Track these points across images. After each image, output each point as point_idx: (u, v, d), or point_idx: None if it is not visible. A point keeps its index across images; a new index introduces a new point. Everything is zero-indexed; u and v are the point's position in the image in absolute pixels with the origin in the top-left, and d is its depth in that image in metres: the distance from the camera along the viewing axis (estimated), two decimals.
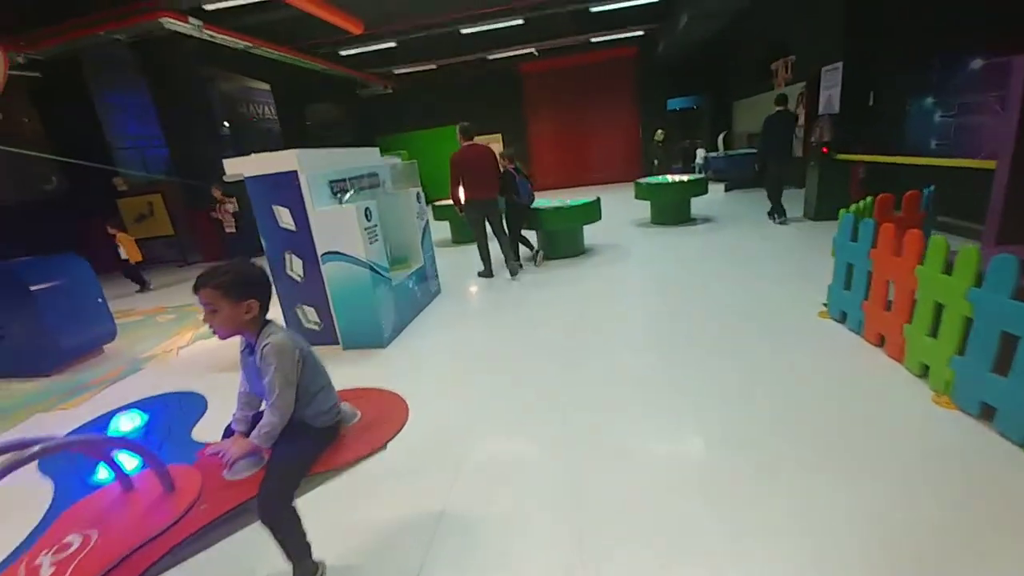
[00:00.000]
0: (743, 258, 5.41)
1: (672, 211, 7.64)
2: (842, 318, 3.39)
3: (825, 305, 3.67)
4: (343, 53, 11.04)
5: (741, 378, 2.93)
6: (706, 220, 7.73)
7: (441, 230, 8.87)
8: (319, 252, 3.74)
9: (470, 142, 5.31)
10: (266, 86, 12.35)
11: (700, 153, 12.20)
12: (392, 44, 10.87)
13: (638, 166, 15.57)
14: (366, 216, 3.75)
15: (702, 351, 3.32)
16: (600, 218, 6.25)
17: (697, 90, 13.83)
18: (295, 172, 3.58)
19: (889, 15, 6.75)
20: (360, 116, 16.75)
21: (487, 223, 5.45)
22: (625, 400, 2.81)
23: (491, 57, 13.44)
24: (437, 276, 5.26)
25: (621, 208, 9.86)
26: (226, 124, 10.64)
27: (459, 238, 8.28)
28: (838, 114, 7.52)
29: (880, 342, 3.01)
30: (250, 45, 9.63)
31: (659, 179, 7.93)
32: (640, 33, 12.58)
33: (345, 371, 3.53)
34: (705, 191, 7.46)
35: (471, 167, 5.22)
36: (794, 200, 8.77)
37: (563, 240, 6.22)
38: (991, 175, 4.83)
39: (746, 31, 11.54)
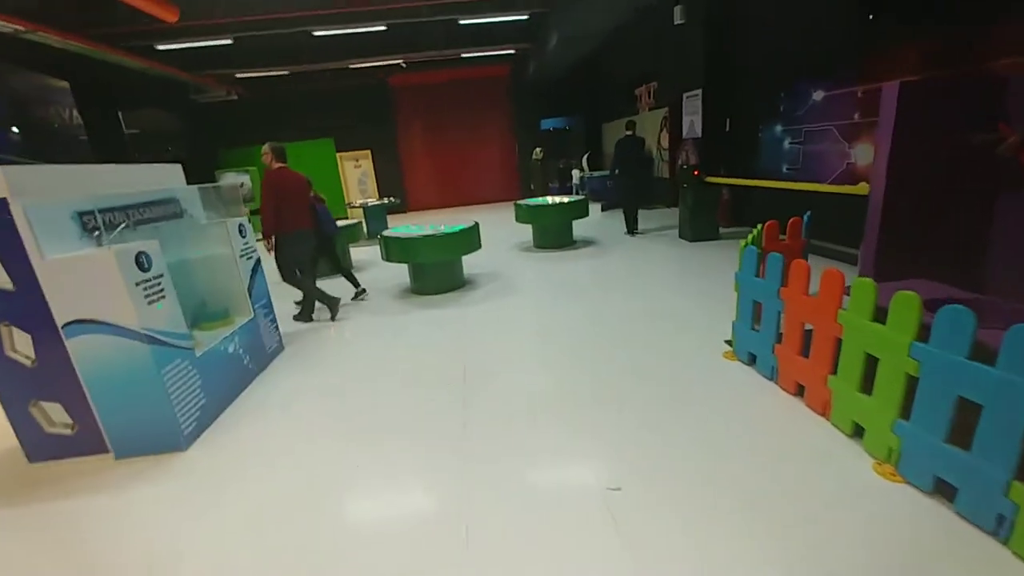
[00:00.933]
0: (634, 287, 5.08)
1: (554, 234, 7.26)
2: (751, 360, 3.05)
3: (729, 344, 3.34)
4: (161, 47, 9.07)
5: (645, 438, 2.42)
6: (588, 243, 7.49)
7: None
8: (59, 322, 2.44)
9: (282, 165, 4.40)
10: (63, 84, 9.78)
11: (576, 174, 12.30)
12: (228, 41, 9.21)
13: (516, 186, 15.42)
14: (139, 264, 2.55)
15: (602, 406, 2.74)
16: (480, 246, 5.56)
17: (569, 111, 14.09)
18: (3, 200, 2.28)
19: (742, 48, 7.16)
20: (197, 126, 14.28)
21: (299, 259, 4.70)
22: (519, 484, 2.06)
23: (354, 66, 12.25)
24: (277, 328, 4.08)
25: (502, 230, 9.35)
26: (15, 129, 8.42)
27: (320, 270, 7.00)
28: (700, 138, 7.81)
29: (798, 391, 2.67)
30: (20, 29, 7.38)
31: (539, 201, 7.53)
32: (511, 52, 12.41)
33: (114, 498, 2.29)
34: (586, 213, 7.21)
35: (290, 193, 4.40)
36: (665, 218, 9.08)
37: (439, 273, 5.40)
38: (842, 199, 5.12)
39: (613, 56, 11.96)
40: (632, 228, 7.83)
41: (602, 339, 3.76)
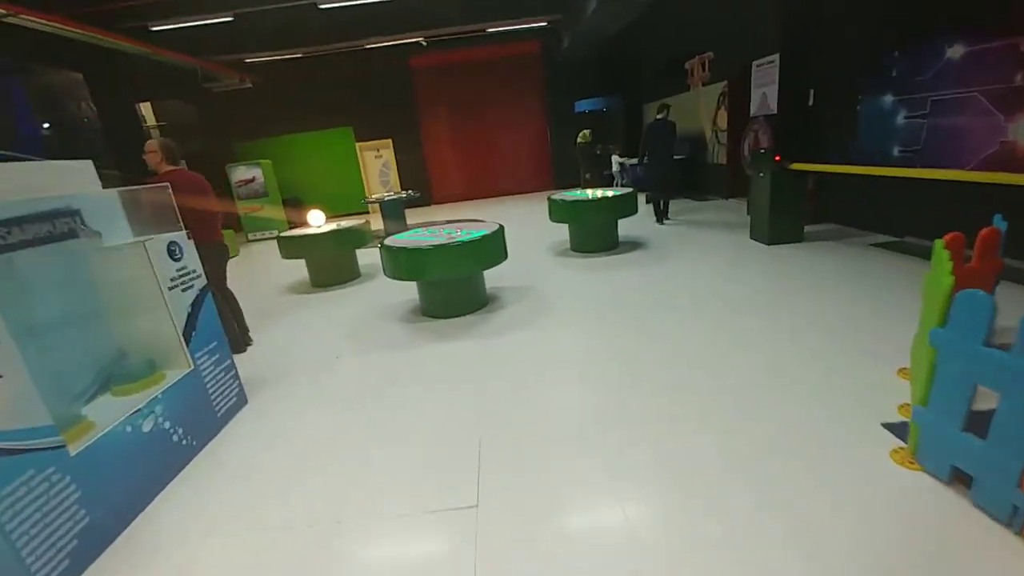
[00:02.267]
0: (708, 310, 3.85)
1: (596, 235, 6.04)
2: (957, 479, 1.82)
3: (896, 433, 2.11)
4: (155, 28, 8.23)
5: None
6: (636, 244, 6.24)
7: (295, 271, 6.57)
8: None
9: (174, 167, 3.63)
10: (77, 76, 9.20)
11: (616, 161, 10.94)
12: (228, 19, 8.29)
13: (549, 175, 14.15)
14: None
15: (696, 504, 1.59)
16: (506, 256, 4.42)
17: (607, 91, 12.69)
18: None
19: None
20: (214, 117, 13.60)
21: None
22: None
23: (370, 46, 11.21)
24: (236, 378, 3.08)
25: (533, 228, 8.17)
26: (46, 125, 8.29)
27: (322, 279, 6.04)
28: (774, 115, 6.41)
29: None
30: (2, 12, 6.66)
31: (577, 195, 6.31)
32: (543, 24, 11.09)
33: None
34: (635, 209, 5.96)
35: (186, 199, 3.39)
36: (721, 212, 7.70)
37: (455, 291, 4.31)
38: (991, 191, 3.72)
39: (659, 26, 10.48)
40: (661, 217, 7.57)
41: (678, 400, 2.58)
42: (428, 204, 14.14)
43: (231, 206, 11.10)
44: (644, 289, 4.54)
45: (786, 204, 5.31)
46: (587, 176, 10.90)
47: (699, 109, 9.47)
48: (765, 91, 6.62)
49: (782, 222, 5.36)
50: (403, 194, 9.74)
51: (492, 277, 5.04)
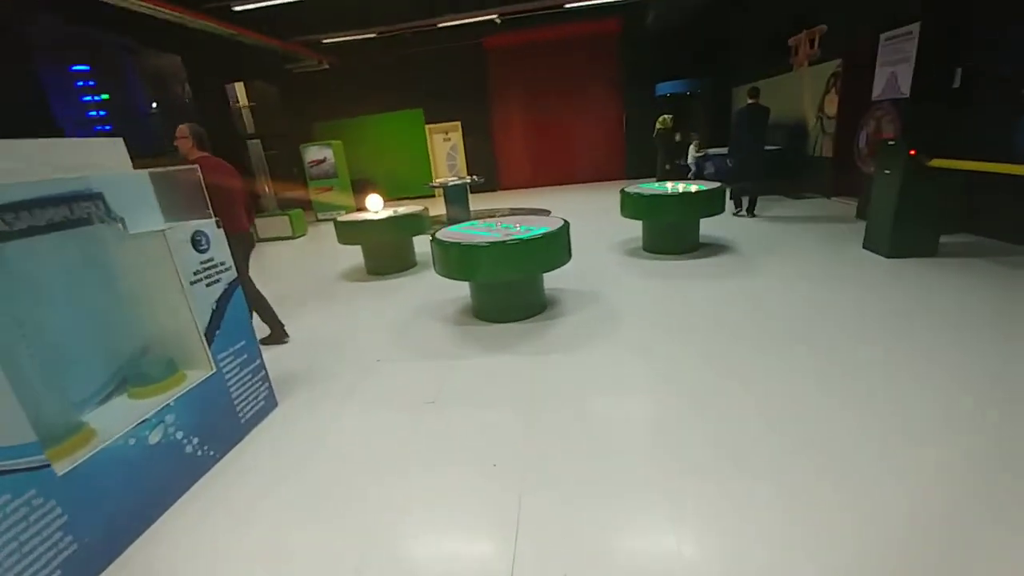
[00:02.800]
0: (811, 347, 3.14)
1: (674, 236, 5.35)
2: None
3: None
4: (237, 8, 8.36)
5: None
6: (720, 247, 5.47)
7: (354, 256, 6.41)
8: None
9: (205, 153, 3.47)
10: (177, 58, 9.75)
11: (693, 150, 9.90)
12: None
13: (622, 164, 13.28)
14: None
15: None
16: (569, 258, 3.90)
17: (692, 72, 11.58)
18: None
19: None
20: (295, 97, 14.00)
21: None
22: None
23: (442, 25, 10.90)
24: (265, 380, 2.84)
25: (601, 222, 7.55)
26: (154, 104, 8.98)
27: (377, 267, 5.84)
28: (905, 100, 5.34)
29: None
30: None
31: (654, 187, 5.62)
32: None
33: None
34: (721, 208, 5.19)
35: (213, 186, 3.07)
36: (822, 211, 6.62)
37: (508, 294, 3.86)
38: None
39: None
40: (750, 209, 7.04)
41: (768, 470, 1.99)
42: (494, 190, 13.79)
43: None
44: (729, 307, 3.85)
45: (919, 209, 4.34)
46: (667, 167, 9.95)
47: (801, 92, 8.29)
48: (895, 70, 5.52)
49: (910, 231, 4.40)
50: (467, 179, 9.40)
51: (552, 277, 4.55)
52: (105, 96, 8.21)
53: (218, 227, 2.54)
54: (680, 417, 2.45)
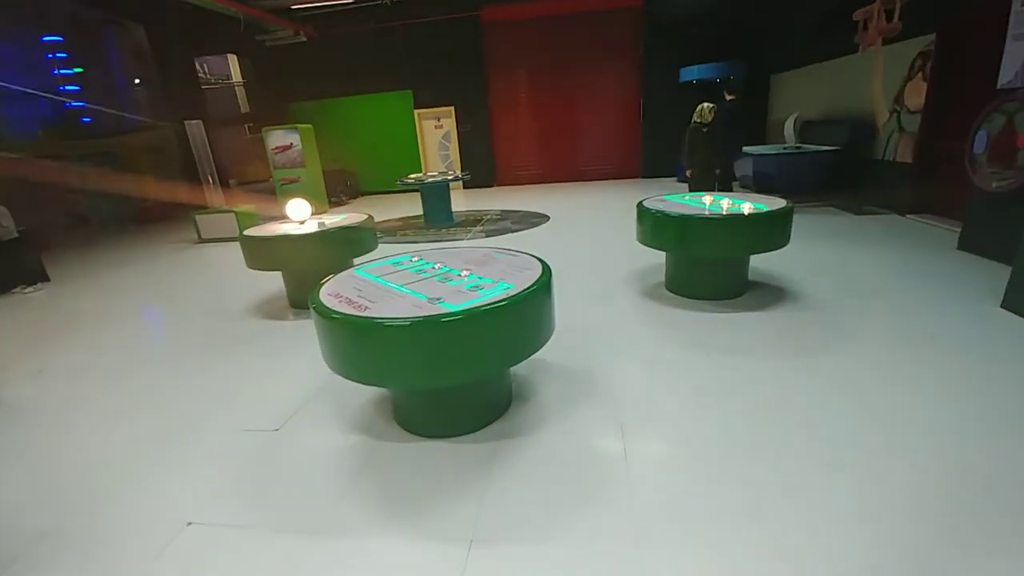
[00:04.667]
0: (954, 520, 1.55)
1: (714, 274, 3.71)
2: None
3: None
4: None
5: None
6: (779, 289, 3.84)
7: (268, 283, 4.83)
8: None
9: None
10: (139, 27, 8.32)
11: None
12: None
13: (637, 160, 11.56)
14: None
15: None
16: (550, 335, 2.29)
17: (725, 54, 9.82)
18: None
19: None
20: (271, 74, 12.43)
21: None
22: None
23: None
24: None
25: (609, 235, 5.93)
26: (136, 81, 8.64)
27: (299, 299, 4.28)
28: None
29: None
30: None
31: (686, 201, 3.98)
32: None
33: None
34: (786, 239, 3.54)
35: None
36: (913, 238, 4.83)
37: (445, 395, 2.28)
38: None
39: None
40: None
41: None
42: (491, 186, 12.17)
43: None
44: (808, 415, 2.25)
45: None
46: (689, 172, 7.28)
47: (870, 79, 6.56)
48: None
49: None
50: (449, 175, 7.79)
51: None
52: None
53: None
54: None
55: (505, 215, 8.09)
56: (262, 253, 4.04)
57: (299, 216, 4.33)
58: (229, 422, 2.58)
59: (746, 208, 3.51)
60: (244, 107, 16.24)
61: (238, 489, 2.07)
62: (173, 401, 2.86)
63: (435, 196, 7.61)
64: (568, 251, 5.51)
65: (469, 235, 6.78)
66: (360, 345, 1.93)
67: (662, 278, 4.11)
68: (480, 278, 2.25)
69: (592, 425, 2.32)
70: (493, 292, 2.04)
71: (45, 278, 6.29)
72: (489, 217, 8.00)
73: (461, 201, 10.06)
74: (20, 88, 12.22)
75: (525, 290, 2.02)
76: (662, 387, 2.61)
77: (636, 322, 3.47)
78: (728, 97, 6.63)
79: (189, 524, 1.90)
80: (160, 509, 1.99)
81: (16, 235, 5.84)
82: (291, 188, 9.98)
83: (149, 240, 8.46)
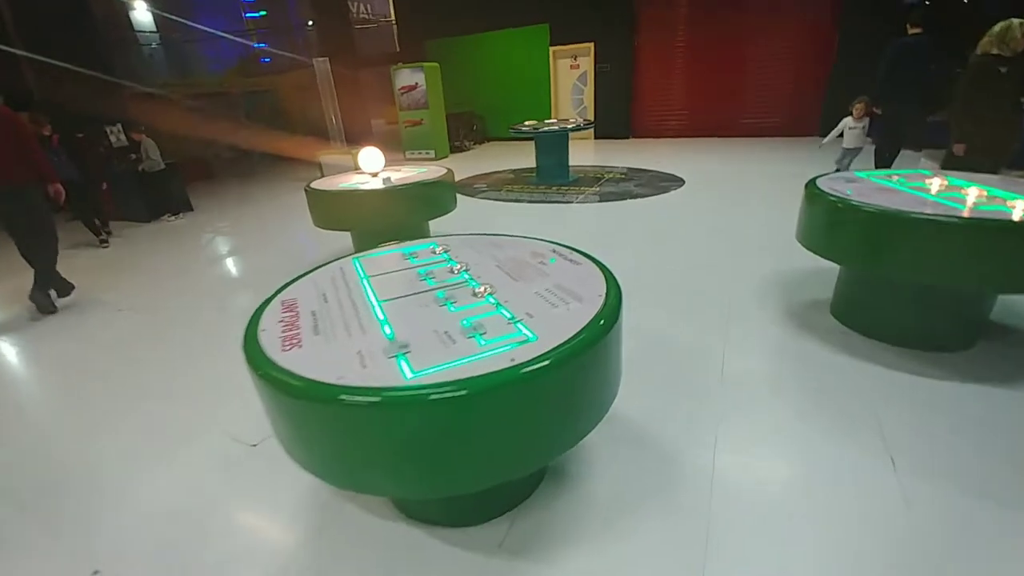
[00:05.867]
0: None
1: (923, 305, 2.31)
2: None
3: None
4: None
5: None
6: (1014, 329, 2.32)
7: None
8: None
9: None
10: None
11: (850, 121, 4.83)
12: None
13: (817, 109, 9.03)
14: None
15: None
16: (599, 415, 1.37)
17: None
18: None
19: None
20: (416, 10, 12.10)
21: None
22: None
23: None
24: None
25: (756, 221, 4.46)
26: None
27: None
28: None
29: None
30: None
31: (900, 184, 2.52)
32: None
33: None
34: None
35: None
36: None
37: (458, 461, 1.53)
38: None
39: None
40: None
41: None
42: (625, 137, 10.67)
43: None
44: None
45: None
46: (985, 137, 3.45)
47: None
48: None
49: None
50: (569, 123, 6.71)
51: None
52: None
53: None
54: None
55: (631, 175, 6.83)
56: (325, 209, 3.61)
57: (372, 167, 3.79)
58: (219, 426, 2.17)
59: (1019, 209, 2.02)
60: (397, 47, 16.51)
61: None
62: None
63: (550, 148, 6.64)
64: (690, 234, 4.25)
65: (581, 197, 5.77)
66: (269, 407, 1.23)
67: (826, 295, 2.77)
68: (499, 305, 1.39)
69: (660, 557, 1.40)
70: (495, 346, 1.18)
71: (189, 208, 6.87)
72: (611, 176, 6.82)
73: (587, 154, 8.90)
74: (217, 32, 13.70)
75: (542, 360, 1.11)
76: (799, 514, 1.54)
77: (769, 367, 2.30)
78: (912, 31, 4.49)
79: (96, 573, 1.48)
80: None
81: (163, 167, 6.33)
82: (414, 131, 9.78)
83: (286, 176, 8.91)
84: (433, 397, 1.02)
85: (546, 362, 1.10)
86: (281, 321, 1.41)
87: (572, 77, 10.92)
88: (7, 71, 5.72)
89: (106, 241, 5.39)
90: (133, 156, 6.27)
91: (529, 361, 1.09)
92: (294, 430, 1.20)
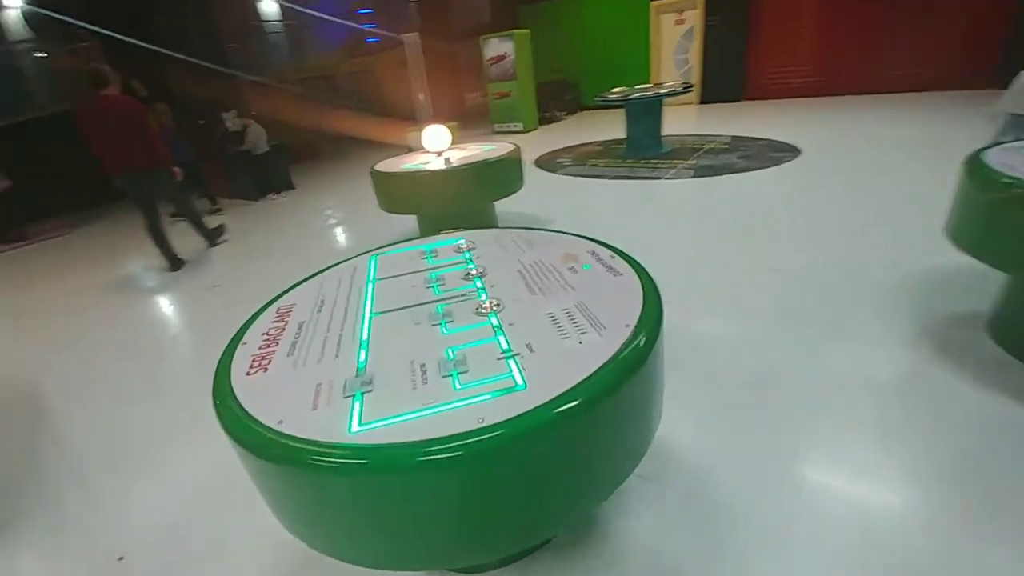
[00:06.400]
0: None
1: None
2: None
3: None
4: None
5: None
6: None
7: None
8: None
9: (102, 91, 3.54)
10: None
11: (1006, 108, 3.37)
12: None
13: (992, 54, 7.15)
14: None
15: None
16: (620, 477, 1.06)
17: None
18: None
19: None
20: None
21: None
22: None
23: None
24: None
25: (891, 208, 3.60)
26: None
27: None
28: None
29: None
30: None
31: None
32: None
33: None
34: None
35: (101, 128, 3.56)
36: None
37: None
38: None
39: None
40: None
41: None
42: (737, 99, 9.45)
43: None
44: None
45: None
46: None
47: None
48: None
49: None
50: (664, 87, 6.00)
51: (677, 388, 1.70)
52: None
53: None
54: None
55: (737, 144, 5.97)
56: (388, 192, 3.54)
57: (436, 146, 3.64)
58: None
59: None
60: (488, 15, 16.23)
61: None
62: None
63: (641, 116, 6.01)
64: (794, 219, 3.54)
65: (672, 172, 5.15)
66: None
67: (979, 307, 2.08)
68: (498, 329, 1.13)
69: None
70: (470, 393, 0.92)
71: (291, 187, 7.37)
72: (712, 146, 6.03)
73: (687, 121, 8.02)
74: (328, 16, 14.46)
75: (512, 426, 0.83)
76: None
77: (894, 403, 1.76)
78: None
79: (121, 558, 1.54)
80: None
81: (267, 149, 6.81)
82: (502, 103, 9.52)
83: (384, 155, 9.21)
84: (350, 463, 0.80)
85: (514, 430, 0.82)
86: (265, 333, 1.28)
87: (676, 34, 9.85)
88: (145, 66, 6.46)
89: (219, 209, 6.14)
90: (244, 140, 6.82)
91: (493, 426, 0.81)
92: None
